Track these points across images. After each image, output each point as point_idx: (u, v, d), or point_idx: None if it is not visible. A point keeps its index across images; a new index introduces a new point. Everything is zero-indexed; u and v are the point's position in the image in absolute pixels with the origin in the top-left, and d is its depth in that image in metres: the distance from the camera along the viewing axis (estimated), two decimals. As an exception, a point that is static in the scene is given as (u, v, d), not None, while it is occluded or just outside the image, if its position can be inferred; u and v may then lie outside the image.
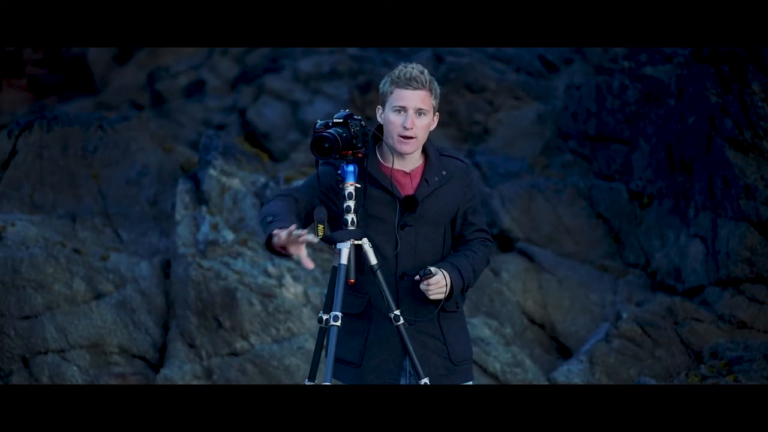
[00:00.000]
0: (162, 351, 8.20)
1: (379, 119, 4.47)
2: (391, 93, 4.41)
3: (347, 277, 4.38)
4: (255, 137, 12.35)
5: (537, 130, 11.11)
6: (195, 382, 7.91)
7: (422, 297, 4.43)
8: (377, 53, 13.07)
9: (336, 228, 4.47)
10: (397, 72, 4.42)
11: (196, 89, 13.73)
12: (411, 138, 4.39)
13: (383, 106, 4.44)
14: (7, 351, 7.89)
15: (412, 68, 4.42)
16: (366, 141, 4.46)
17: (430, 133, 4.50)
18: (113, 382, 7.92)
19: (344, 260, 4.38)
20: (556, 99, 11.46)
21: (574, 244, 9.32)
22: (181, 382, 7.87)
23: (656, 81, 9.60)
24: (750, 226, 8.17)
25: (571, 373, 7.98)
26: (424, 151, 4.51)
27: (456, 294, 4.42)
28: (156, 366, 8.14)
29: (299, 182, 8.74)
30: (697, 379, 7.58)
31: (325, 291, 4.49)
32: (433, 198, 4.46)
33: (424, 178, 4.46)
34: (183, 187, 8.75)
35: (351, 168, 4.44)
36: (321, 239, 4.41)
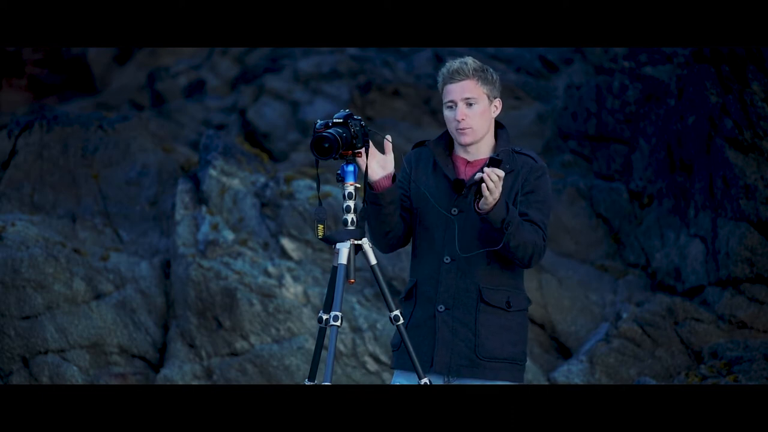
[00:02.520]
0: (162, 351, 8.20)
1: (445, 120, 4.54)
2: (442, 91, 4.48)
3: (347, 276, 4.38)
4: (255, 137, 12.35)
5: (537, 130, 11.11)
6: (195, 382, 7.91)
7: (463, 284, 4.41)
8: (377, 53, 13.07)
9: (427, 209, 4.45)
10: (443, 69, 4.49)
11: (196, 89, 13.73)
12: (466, 128, 4.42)
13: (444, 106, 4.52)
14: (7, 351, 7.89)
15: (456, 62, 4.47)
16: (366, 141, 4.46)
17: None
18: (113, 382, 7.92)
19: (344, 260, 4.38)
20: (556, 99, 11.46)
21: (574, 244, 9.33)
22: (181, 382, 7.87)
23: (656, 81, 9.60)
24: (750, 226, 8.17)
25: (571, 373, 7.98)
26: (497, 144, 4.52)
27: (494, 217, 4.27)
28: (156, 366, 8.14)
29: (299, 182, 8.74)
30: (697, 379, 7.58)
31: (325, 291, 4.49)
32: None
33: (482, 167, 4.43)
34: (183, 187, 8.75)
35: (351, 168, 4.44)
36: (321, 239, 4.41)
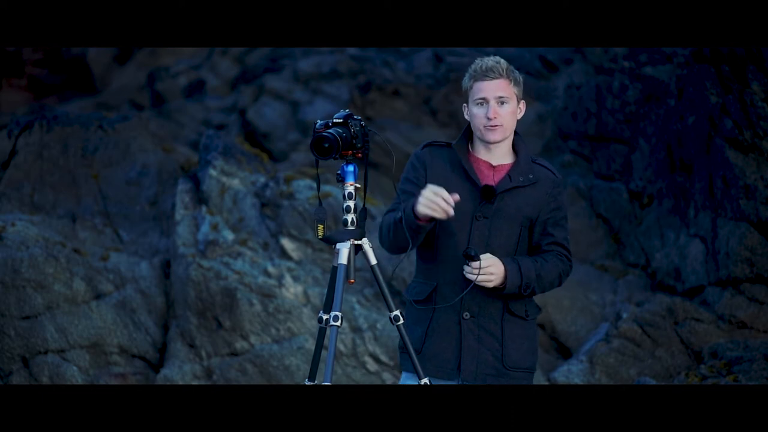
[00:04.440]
0: (162, 351, 8.20)
1: (465, 116, 4.52)
2: (471, 88, 4.47)
3: (347, 276, 4.38)
4: (255, 137, 12.35)
5: (537, 130, 11.10)
6: (195, 382, 7.92)
7: (488, 293, 4.41)
8: (377, 53, 13.06)
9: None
10: (474, 66, 4.48)
11: (196, 89, 13.73)
12: (497, 126, 4.42)
13: (467, 103, 4.49)
14: (7, 351, 7.89)
15: (488, 60, 4.47)
16: (366, 141, 4.46)
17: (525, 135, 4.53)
18: (113, 382, 7.93)
19: (344, 260, 4.39)
20: (556, 99, 11.46)
21: (574, 244, 9.32)
22: (181, 382, 7.87)
23: (656, 81, 9.60)
24: (750, 226, 8.17)
25: (571, 373, 7.98)
26: (516, 150, 4.52)
27: (511, 288, 4.33)
28: (156, 366, 8.14)
29: (299, 182, 8.75)
30: (697, 379, 7.58)
31: (325, 291, 4.49)
32: (513, 195, 4.44)
33: (509, 174, 4.46)
34: (183, 187, 8.75)
35: (351, 168, 4.44)
36: (321, 239, 4.41)
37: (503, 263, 4.35)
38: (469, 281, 4.36)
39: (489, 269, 4.32)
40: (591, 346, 8.17)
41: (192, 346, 8.09)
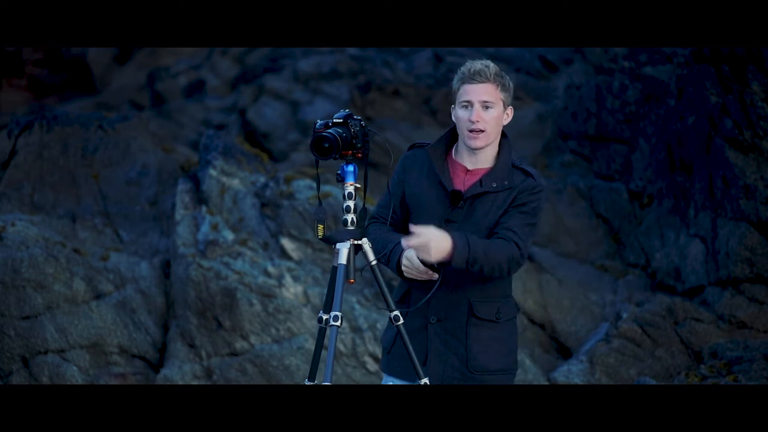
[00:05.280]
0: (162, 351, 8.20)
1: (453, 118, 4.48)
2: (458, 90, 4.43)
3: (347, 276, 4.38)
4: (255, 137, 12.35)
5: (537, 130, 11.11)
6: (195, 382, 7.92)
7: (454, 296, 4.40)
8: (377, 53, 13.07)
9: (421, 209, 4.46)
10: (462, 68, 4.45)
11: (196, 89, 13.73)
12: (480, 131, 4.38)
13: (455, 104, 4.46)
14: (7, 351, 7.89)
15: (478, 63, 4.44)
16: (366, 141, 4.46)
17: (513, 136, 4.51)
18: (113, 382, 7.93)
19: (343, 260, 4.39)
20: (556, 99, 11.46)
21: (574, 244, 9.32)
22: (181, 382, 7.87)
23: (656, 81, 9.60)
24: (750, 226, 8.17)
25: (571, 373, 7.98)
26: (499, 156, 4.47)
27: (459, 261, 4.27)
28: (156, 366, 8.15)
29: (299, 182, 8.75)
30: (697, 379, 7.58)
31: (325, 291, 4.49)
32: (483, 200, 4.40)
33: (481, 179, 4.41)
34: (183, 187, 8.75)
35: (351, 168, 4.44)
36: (321, 239, 4.41)
37: (451, 236, 4.28)
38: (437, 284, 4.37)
39: (424, 240, 4.25)
40: (591, 346, 8.17)
41: (192, 346, 8.09)
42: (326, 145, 4.35)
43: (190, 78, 13.89)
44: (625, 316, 8.25)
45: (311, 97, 12.75)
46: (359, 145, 4.43)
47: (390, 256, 4.43)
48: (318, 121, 4.47)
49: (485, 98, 4.39)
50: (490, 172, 4.43)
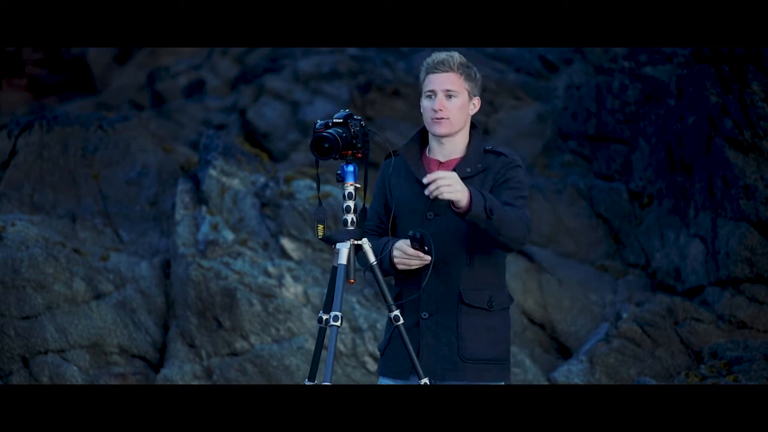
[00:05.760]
0: (162, 351, 8.20)
1: (422, 110, 4.51)
2: (423, 80, 4.48)
3: (347, 276, 4.38)
4: (255, 137, 12.35)
5: (537, 130, 11.10)
6: (195, 382, 7.92)
7: (444, 288, 4.40)
8: (377, 53, 13.06)
9: (406, 218, 4.46)
10: (427, 59, 4.48)
11: (196, 89, 13.73)
12: (443, 119, 4.41)
13: (422, 96, 4.50)
14: (7, 351, 7.89)
15: (442, 53, 4.47)
16: (366, 141, 4.46)
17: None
18: (113, 382, 7.93)
19: (343, 260, 4.39)
20: (556, 99, 11.45)
21: (574, 244, 9.32)
22: (181, 382, 7.87)
23: (656, 81, 9.60)
24: (750, 226, 8.17)
25: (571, 373, 7.98)
26: (468, 144, 4.50)
27: (477, 210, 4.22)
28: (156, 366, 8.15)
29: (299, 182, 8.75)
30: (697, 379, 7.58)
31: (325, 291, 4.49)
32: None
33: (455, 168, 4.44)
34: (183, 187, 8.75)
35: (351, 168, 4.44)
36: (321, 239, 4.41)
37: (467, 186, 4.26)
38: (438, 278, 4.37)
39: (445, 180, 4.21)
40: (591, 346, 8.17)
41: (192, 346, 8.09)
42: (326, 145, 4.35)
43: (190, 78, 13.88)
44: (625, 316, 8.25)
45: (311, 97, 12.75)
46: (359, 145, 4.43)
47: (382, 256, 4.43)
48: (318, 121, 4.48)
49: (448, 87, 4.42)
50: (462, 160, 4.46)
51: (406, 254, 4.38)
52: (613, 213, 9.40)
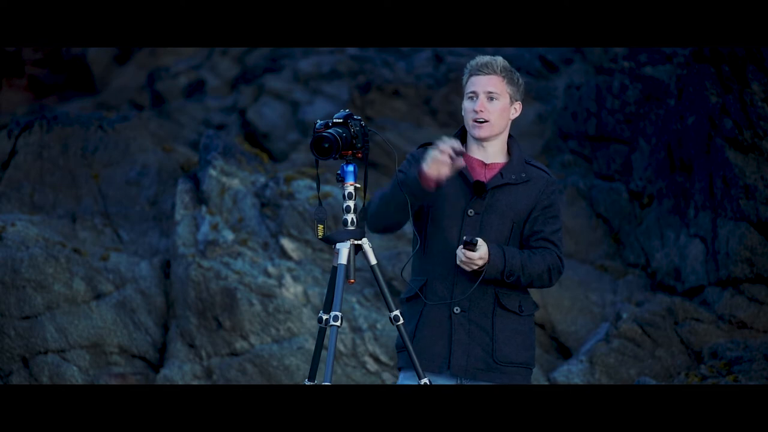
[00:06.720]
0: (162, 351, 8.20)
1: (462, 113, 4.53)
2: (466, 82, 4.51)
3: (347, 276, 4.38)
4: (255, 137, 12.35)
5: (537, 130, 11.10)
6: (195, 382, 7.92)
7: (479, 287, 4.40)
8: (377, 53, 13.06)
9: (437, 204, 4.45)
10: (471, 62, 4.52)
11: (196, 89, 13.73)
12: (484, 121, 4.43)
13: (464, 98, 4.52)
14: (7, 351, 7.89)
15: (486, 56, 4.52)
16: (366, 141, 4.46)
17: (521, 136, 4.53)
18: (113, 382, 7.93)
19: (343, 260, 4.39)
20: (556, 99, 11.45)
21: (574, 244, 9.33)
22: (181, 382, 7.87)
23: (656, 81, 9.60)
24: (750, 226, 8.17)
25: (571, 373, 7.98)
26: (510, 152, 4.53)
27: (491, 272, 4.32)
28: (156, 366, 8.15)
29: (299, 182, 8.74)
30: (697, 379, 7.58)
31: (325, 291, 4.49)
32: (505, 191, 4.44)
33: (501, 171, 4.46)
34: (183, 187, 8.75)
35: (351, 168, 4.44)
36: (321, 239, 4.41)
37: (488, 247, 4.33)
38: (472, 276, 4.36)
39: (466, 260, 4.31)
40: (591, 346, 8.17)
41: (192, 346, 8.09)
42: (326, 145, 4.35)
43: (190, 78, 13.89)
44: (625, 316, 8.25)
45: (311, 97, 12.75)
46: (359, 145, 4.43)
47: (406, 179, 4.35)
48: (318, 121, 4.48)
49: (490, 89, 4.45)
50: (508, 166, 4.48)
51: (439, 148, 4.29)
52: (613, 213, 9.41)
